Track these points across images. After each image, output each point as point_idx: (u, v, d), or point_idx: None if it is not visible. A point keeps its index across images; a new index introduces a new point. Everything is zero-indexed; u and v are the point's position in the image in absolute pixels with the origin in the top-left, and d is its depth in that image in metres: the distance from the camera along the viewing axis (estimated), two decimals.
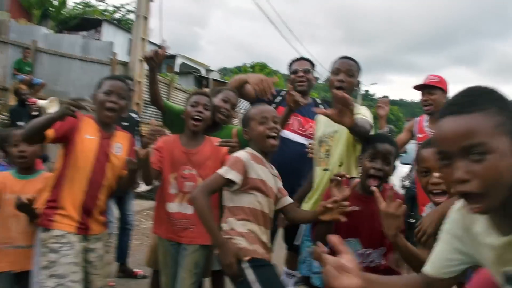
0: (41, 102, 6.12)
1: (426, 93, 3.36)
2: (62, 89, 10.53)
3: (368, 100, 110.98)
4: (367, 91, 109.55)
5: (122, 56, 21.44)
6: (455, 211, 1.28)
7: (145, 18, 10.25)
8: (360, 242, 2.15)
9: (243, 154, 2.14)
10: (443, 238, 1.30)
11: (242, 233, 2.05)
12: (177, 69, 27.85)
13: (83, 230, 2.24)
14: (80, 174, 2.23)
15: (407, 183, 6.13)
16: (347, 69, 2.50)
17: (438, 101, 3.30)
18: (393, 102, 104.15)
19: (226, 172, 2.06)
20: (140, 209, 6.42)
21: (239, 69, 43.91)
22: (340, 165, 2.47)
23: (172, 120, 2.82)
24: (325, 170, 2.56)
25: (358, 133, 2.24)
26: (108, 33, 21.81)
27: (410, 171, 6.42)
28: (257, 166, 2.13)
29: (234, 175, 2.05)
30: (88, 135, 2.28)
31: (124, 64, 10.81)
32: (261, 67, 36.19)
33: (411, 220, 6.35)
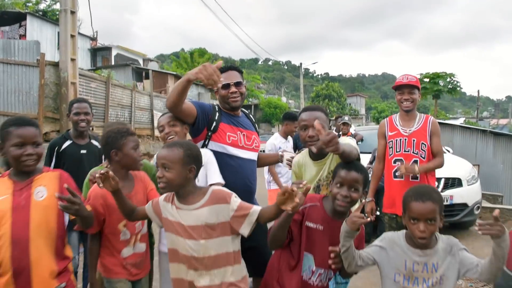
0: None
1: (406, 92, 3.56)
2: None
3: (309, 78, 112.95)
4: (307, 69, 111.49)
5: (52, 52, 19.97)
6: None
7: (72, 12, 9.36)
8: (314, 260, 2.22)
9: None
10: None
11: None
12: (113, 61, 26.54)
13: None
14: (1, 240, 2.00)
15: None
16: (316, 122, 2.27)
17: (416, 100, 3.62)
18: (333, 79, 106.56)
19: (149, 209, 2.21)
20: None
21: (177, 56, 42.70)
22: None
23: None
24: None
25: (348, 158, 2.26)
26: (33, 27, 20.23)
27: (370, 162, 6.21)
28: (168, 206, 2.11)
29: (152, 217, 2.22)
30: None
31: (55, 65, 9.85)
32: (200, 53, 35.30)
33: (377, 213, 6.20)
